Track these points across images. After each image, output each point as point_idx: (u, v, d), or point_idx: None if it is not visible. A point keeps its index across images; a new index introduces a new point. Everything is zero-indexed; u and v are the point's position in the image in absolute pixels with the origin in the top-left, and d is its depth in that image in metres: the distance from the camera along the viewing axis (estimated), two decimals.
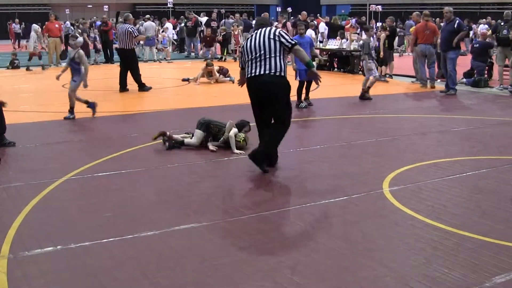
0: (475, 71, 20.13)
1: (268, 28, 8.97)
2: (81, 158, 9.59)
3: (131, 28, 17.94)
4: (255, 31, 9.05)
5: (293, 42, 8.88)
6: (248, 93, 9.05)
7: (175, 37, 35.56)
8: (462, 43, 21.86)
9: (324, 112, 14.38)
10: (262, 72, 8.68)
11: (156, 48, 29.77)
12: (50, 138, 11.16)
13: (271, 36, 8.77)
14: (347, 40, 23.97)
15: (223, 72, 20.57)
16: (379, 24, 36.86)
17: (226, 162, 9.54)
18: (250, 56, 8.85)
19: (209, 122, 10.46)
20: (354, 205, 7.41)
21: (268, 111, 8.90)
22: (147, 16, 32.75)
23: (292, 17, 42.67)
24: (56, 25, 26.43)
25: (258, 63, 8.73)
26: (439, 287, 5.05)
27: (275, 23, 33.13)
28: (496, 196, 7.71)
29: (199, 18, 32.12)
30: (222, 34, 29.93)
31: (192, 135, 10.49)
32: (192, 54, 32.33)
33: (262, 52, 8.71)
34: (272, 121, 8.96)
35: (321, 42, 27.62)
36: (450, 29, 17.86)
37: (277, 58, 8.71)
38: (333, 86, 15.75)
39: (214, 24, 31.70)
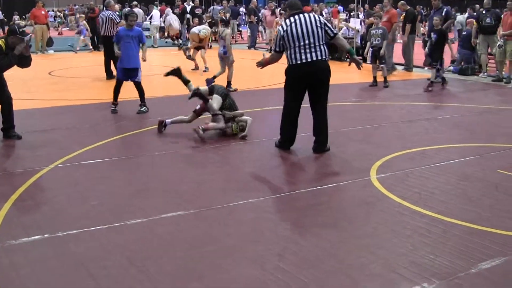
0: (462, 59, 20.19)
1: (312, 15, 9.16)
2: (68, 146, 9.55)
3: (112, 15, 17.74)
4: (295, 16, 9.09)
5: (336, 31, 9.44)
6: (294, 78, 9.16)
7: (162, 24, 35.38)
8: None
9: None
10: (315, 58, 8.93)
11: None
12: (36, 126, 11.09)
13: (318, 24, 9.02)
14: (335, 27, 23.94)
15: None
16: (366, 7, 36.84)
17: (215, 150, 9.53)
18: (298, 43, 8.95)
19: (227, 94, 10.54)
20: (342, 192, 7.44)
21: (316, 95, 9.19)
22: (134, 2, 32.60)
23: (280, 5, 42.55)
24: (43, 12, 26.25)
25: (308, 49, 8.93)
26: (426, 274, 5.08)
27: (262, 11, 33.10)
28: (483, 184, 7.75)
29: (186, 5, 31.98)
30: (208, 21, 29.82)
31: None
32: (180, 41, 32.24)
33: (312, 40, 8.93)
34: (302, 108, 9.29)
35: None
36: (438, 17, 17.88)
37: (324, 45, 9.06)
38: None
39: (198, 11, 31.53)
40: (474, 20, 20.00)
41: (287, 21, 9.10)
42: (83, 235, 5.97)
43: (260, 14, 33.10)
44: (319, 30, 8.98)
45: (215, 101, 10.33)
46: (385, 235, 6.04)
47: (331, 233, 6.05)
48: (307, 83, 9.09)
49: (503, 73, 18.08)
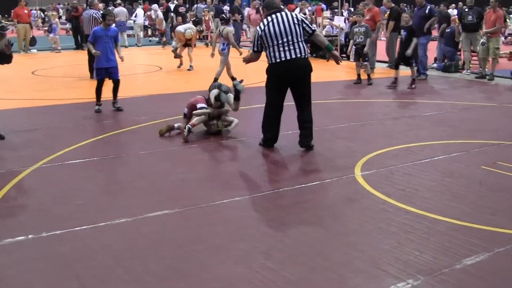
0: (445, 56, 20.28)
1: (289, 13, 9.21)
2: (53, 145, 9.50)
3: (96, 14, 17.65)
4: (272, 16, 9.11)
5: (314, 28, 9.43)
6: (275, 77, 9.16)
7: (146, 22, 35.29)
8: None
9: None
10: (294, 56, 8.95)
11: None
12: (20, 126, 11.04)
13: (296, 22, 9.06)
14: (319, 26, 23.99)
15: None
16: (351, 8, 36.92)
17: (199, 148, 9.52)
18: (276, 41, 8.97)
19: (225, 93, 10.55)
20: (327, 189, 7.45)
21: (299, 92, 9.19)
22: (118, 1, 32.48)
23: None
24: (25, 11, 26.12)
25: (287, 47, 8.94)
26: (411, 270, 5.10)
27: (247, 9, 33.06)
28: (467, 180, 7.79)
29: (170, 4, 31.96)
30: (192, 19, 29.76)
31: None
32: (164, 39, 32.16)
33: (290, 37, 8.95)
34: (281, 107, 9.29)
35: None
36: (421, 14, 17.98)
37: (303, 42, 9.10)
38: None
39: (182, 9, 31.47)
40: (457, 18, 20.09)
41: (265, 20, 9.13)
42: (68, 235, 5.94)
43: (244, 12, 33.09)
44: (297, 27, 9.01)
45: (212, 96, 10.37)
46: (370, 232, 6.05)
47: (316, 230, 6.06)
48: (288, 81, 9.11)
49: (486, 70, 18.18)
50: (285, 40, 8.92)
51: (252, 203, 6.98)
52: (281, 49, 8.92)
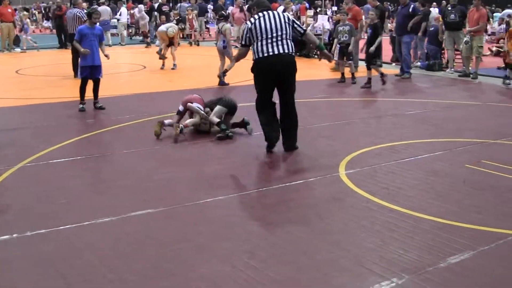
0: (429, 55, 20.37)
1: (280, 13, 9.27)
2: (37, 145, 9.47)
3: (80, 13, 17.58)
4: (263, 12, 9.10)
5: (305, 28, 9.58)
6: (261, 71, 9.10)
7: (129, 21, 35.19)
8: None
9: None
10: (282, 51, 8.91)
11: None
12: (4, 125, 11.01)
13: (286, 21, 9.07)
14: (303, 24, 23.98)
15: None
16: (334, 8, 36.96)
17: (183, 148, 9.51)
18: (265, 36, 8.93)
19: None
20: (311, 188, 7.46)
21: (284, 88, 9.14)
22: (102, 0, 32.38)
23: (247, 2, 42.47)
24: (9, 10, 25.98)
25: (275, 43, 8.91)
26: (396, 269, 5.12)
27: (230, 8, 33.04)
28: (450, 178, 7.82)
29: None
30: (176, 18, 29.68)
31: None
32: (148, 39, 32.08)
33: (280, 33, 8.94)
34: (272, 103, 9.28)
35: None
36: (405, 13, 18.03)
37: (291, 41, 9.09)
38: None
39: (165, 8, 31.39)
40: (440, 16, 20.17)
41: (256, 16, 9.11)
42: (52, 235, 5.92)
43: (228, 11, 33.08)
44: (287, 26, 9.01)
45: (217, 113, 10.29)
46: (354, 230, 6.07)
47: (300, 229, 6.07)
48: (273, 76, 9.05)
49: (469, 68, 18.26)
50: (274, 35, 8.90)
51: (236, 202, 6.98)
52: (270, 43, 8.89)
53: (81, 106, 12.32)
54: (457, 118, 11.88)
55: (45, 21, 44.50)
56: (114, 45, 28.81)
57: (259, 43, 8.96)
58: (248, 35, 9.14)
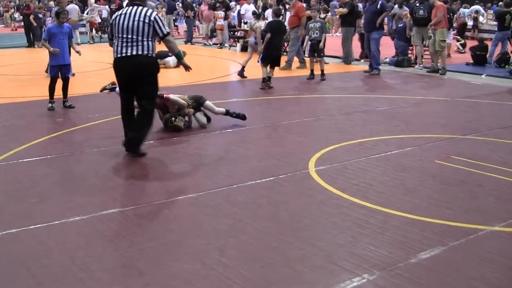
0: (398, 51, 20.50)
1: (144, 10, 8.67)
2: (6, 144, 9.37)
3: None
4: (129, 7, 8.78)
5: (166, 32, 8.77)
6: (117, 72, 8.91)
7: (99, 20, 34.93)
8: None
9: (248, 93, 14.49)
10: (135, 53, 8.57)
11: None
12: None
13: (146, 20, 8.58)
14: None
15: None
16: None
17: (153, 146, 9.46)
18: (121, 35, 8.64)
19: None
20: (281, 185, 7.45)
21: (140, 92, 8.81)
22: None
23: None
24: None
25: (130, 44, 8.56)
26: (366, 265, 5.13)
27: (201, 6, 32.97)
28: (420, 174, 7.86)
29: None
30: None
31: None
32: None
33: (135, 36, 8.54)
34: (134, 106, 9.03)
35: (245, 23, 27.53)
36: (373, 9, 18.06)
37: (149, 41, 8.66)
38: (258, 67, 15.82)
39: None
40: (408, 13, 20.28)
41: (120, 10, 8.87)
42: (22, 234, 5.87)
43: (196, 8, 33.01)
44: (145, 26, 8.55)
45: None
46: (325, 227, 6.08)
47: (271, 226, 6.06)
48: (128, 78, 8.80)
49: (438, 64, 18.37)
50: (129, 36, 8.57)
51: (206, 200, 6.95)
52: (124, 44, 8.60)
53: (50, 105, 12.23)
54: (427, 114, 11.96)
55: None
56: (83, 44, 28.57)
57: (116, 42, 8.73)
58: (112, 29, 8.92)
